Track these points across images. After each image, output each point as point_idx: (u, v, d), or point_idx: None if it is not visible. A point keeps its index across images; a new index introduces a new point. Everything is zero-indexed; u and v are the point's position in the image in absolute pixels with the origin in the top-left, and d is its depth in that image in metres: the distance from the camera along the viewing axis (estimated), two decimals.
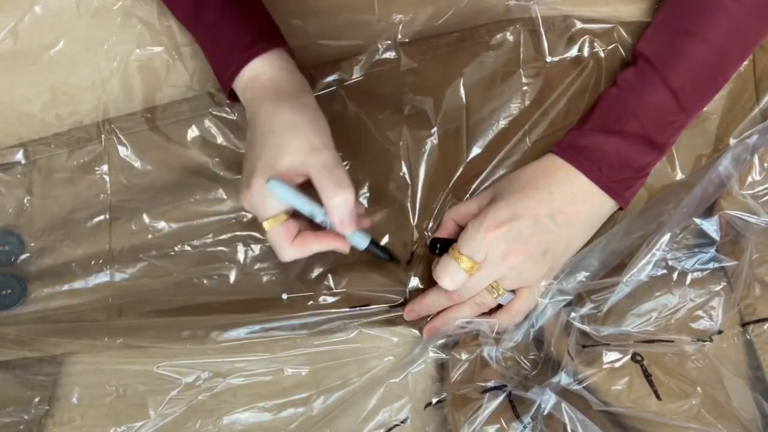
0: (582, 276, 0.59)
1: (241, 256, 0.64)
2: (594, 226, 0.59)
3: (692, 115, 0.59)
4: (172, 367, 0.61)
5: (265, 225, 0.55)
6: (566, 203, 0.57)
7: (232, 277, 0.63)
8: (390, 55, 0.66)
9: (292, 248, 0.55)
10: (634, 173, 0.58)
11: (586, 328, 0.57)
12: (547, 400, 0.54)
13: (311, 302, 0.62)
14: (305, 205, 0.55)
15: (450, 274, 0.57)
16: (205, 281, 0.64)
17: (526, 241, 0.56)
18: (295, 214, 0.56)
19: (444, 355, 0.61)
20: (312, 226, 0.58)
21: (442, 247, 0.60)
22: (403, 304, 0.62)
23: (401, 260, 0.62)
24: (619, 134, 0.58)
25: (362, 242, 0.57)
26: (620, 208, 0.60)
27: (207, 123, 0.64)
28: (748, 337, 0.57)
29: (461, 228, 0.59)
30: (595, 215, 0.59)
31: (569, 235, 0.58)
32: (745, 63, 0.63)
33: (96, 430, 0.60)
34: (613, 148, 0.57)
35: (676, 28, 0.58)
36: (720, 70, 0.58)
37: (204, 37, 0.60)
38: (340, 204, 0.53)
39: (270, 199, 0.54)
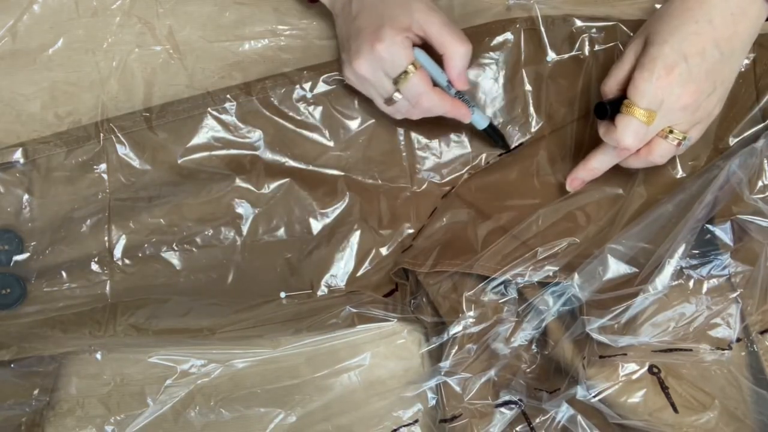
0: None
1: (239, 256, 0.64)
2: (751, 42, 0.57)
3: None
4: (167, 355, 0.62)
5: (411, 69, 0.56)
6: (727, 27, 0.54)
7: (231, 277, 0.63)
8: None
9: (434, 93, 0.57)
10: None
11: (604, 339, 0.56)
12: (563, 412, 0.54)
13: (309, 300, 0.62)
14: (442, 76, 0.58)
15: (631, 129, 0.55)
16: (203, 280, 0.64)
17: (697, 79, 0.54)
18: None
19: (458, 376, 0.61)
20: None
21: (613, 107, 0.56)
22: (395, 291, 0.62)
23: (509, 149, 0.66)
24: None
25: (482, 122, 0.62)
26: None
27: (206, 122, 0.64)
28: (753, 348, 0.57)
29: (621, 90, 0.57)
30: (753, 29, 0.56)
31: (733, 61, 0.56)
32: (746, 62, 0.62)
33: (97, 420, 0.61)
34: None
35: None
36: None
37: None
38: (462, 55, 0.57)
39: (401, 52, 0.56)
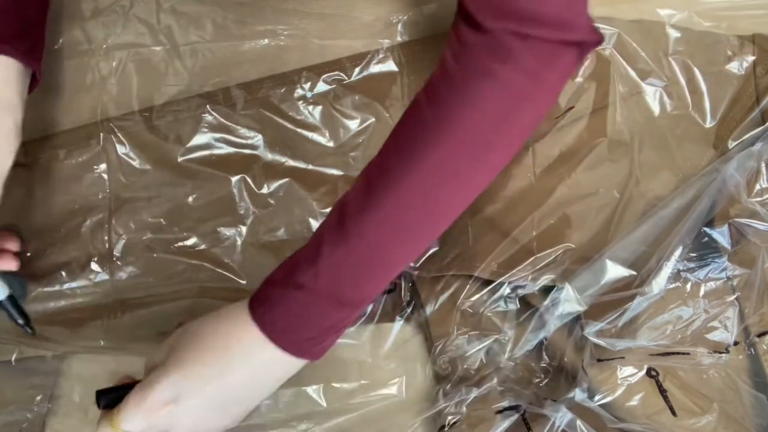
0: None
1: (240, 256, 0.64)
2: (273, 387, 0.53)
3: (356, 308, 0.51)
4: None
5: None
6: (236, 379, 0.50)
7: (231, 277, 0.63)
8: (389, 64, 0.66)
9: None
10: (322, 332, 0.50)
11: (602, 342, 0.56)
12: (562, 417, 0.54)
13: None
14: None
15: None
16: (204, 279, 0.64)
17: (192, 419, 0.50)
18: None
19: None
20: None
21: (108, 403, 0.52)
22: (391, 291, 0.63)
23: (35, 332, 0.59)
24: (298, 288, 0.49)
25: None
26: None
27: (206, 122, 0.64)
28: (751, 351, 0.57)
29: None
30: (272, 379, 0.52)
31: (241, 406, 0.52)
32: (745, 63, 0.62)
33: None
34: (298, 304, 0.49)
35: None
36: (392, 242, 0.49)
37: None
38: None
39: None
